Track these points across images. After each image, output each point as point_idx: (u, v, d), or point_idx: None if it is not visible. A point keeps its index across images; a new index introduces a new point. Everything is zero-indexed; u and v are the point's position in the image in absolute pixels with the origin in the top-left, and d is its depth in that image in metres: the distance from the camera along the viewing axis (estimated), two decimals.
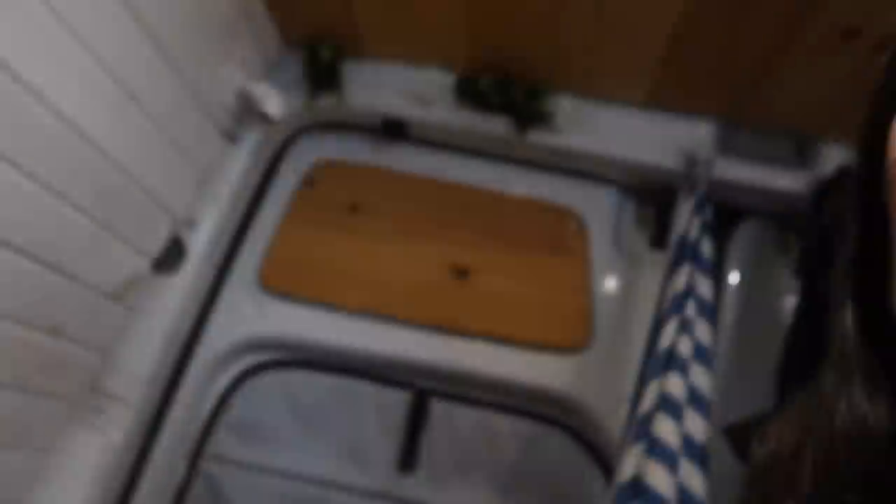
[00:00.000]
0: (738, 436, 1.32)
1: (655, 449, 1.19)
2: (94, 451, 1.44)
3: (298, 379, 1.73)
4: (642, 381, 1.35)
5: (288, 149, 1.82)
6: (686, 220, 1.52)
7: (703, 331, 1.37)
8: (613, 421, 1.49)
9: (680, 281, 1.42)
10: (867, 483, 0.35)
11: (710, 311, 1.42)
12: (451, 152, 1.77)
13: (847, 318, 0.39)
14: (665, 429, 1.21)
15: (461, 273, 1.71)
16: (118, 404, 1.48)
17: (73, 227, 1.23)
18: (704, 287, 1.44)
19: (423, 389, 1.71)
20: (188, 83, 1.42)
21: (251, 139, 1.70)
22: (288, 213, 1.77)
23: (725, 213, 1.65)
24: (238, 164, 1.68)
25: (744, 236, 1.67)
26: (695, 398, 1.28)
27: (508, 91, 1.63)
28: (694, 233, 1.48)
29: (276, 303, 1.70)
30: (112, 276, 1.40)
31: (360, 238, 1.74)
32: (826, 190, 1.49)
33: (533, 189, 1.77)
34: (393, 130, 1.73)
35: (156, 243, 1.50)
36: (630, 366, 1.47)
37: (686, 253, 1.46)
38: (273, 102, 1.62)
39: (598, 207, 1.75)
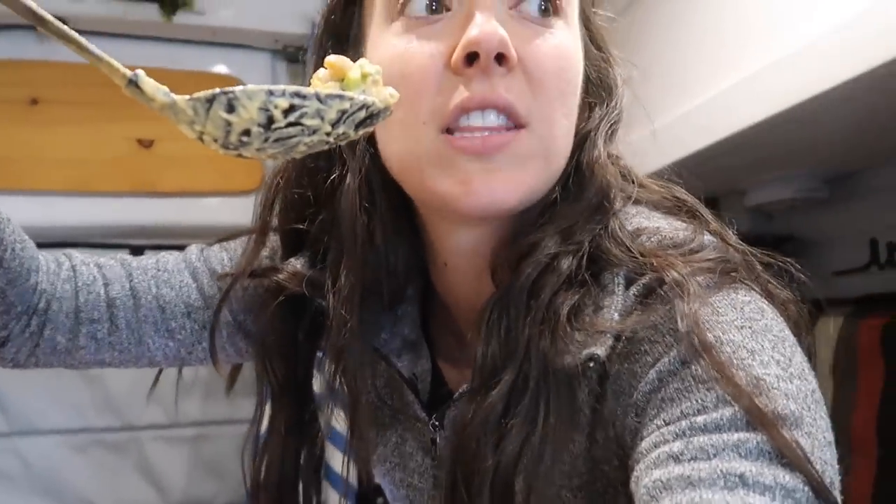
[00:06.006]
0: None
1: None
2: None
3: None
4: None
5: None
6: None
7: None
8: None
9: None
10: None
11: None
12: (114, 38, 1.99)
13: None
14: None
15: (146, 144, 2.01)
16: None
17: None
18: None
19: (135, 247, 2.05)
20: None
21: None
22: None
23: None
24: None
25: None
26: None
27: None
28: None
29: None
30: None
31: (47, 127, 1.95)
32: None
33: (196, 63, 2.06)
34: None
35: None
36: None
37: None
38: None
39: (253, 71, 2.09)
